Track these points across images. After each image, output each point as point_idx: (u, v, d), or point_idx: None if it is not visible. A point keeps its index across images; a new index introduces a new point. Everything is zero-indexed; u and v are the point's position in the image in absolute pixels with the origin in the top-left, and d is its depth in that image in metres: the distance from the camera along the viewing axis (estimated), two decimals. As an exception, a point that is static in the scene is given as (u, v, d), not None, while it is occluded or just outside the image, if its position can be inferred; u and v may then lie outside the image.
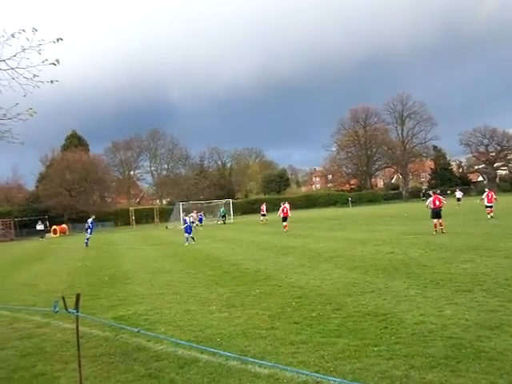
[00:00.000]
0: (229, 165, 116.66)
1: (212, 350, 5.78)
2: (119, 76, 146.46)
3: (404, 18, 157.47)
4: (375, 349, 6.37)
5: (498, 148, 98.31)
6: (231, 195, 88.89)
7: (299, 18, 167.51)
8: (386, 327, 7.35)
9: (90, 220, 34.01)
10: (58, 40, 7.23)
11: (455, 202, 47.44)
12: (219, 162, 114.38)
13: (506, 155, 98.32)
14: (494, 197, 30.43)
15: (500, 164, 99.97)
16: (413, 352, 6.10)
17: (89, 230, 33.19)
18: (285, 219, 33.49)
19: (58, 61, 7.26)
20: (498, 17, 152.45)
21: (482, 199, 30.99)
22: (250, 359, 5.99)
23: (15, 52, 7.21)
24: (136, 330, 4.97)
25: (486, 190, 32.10)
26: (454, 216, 32.59)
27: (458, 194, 49.27)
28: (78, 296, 4.65)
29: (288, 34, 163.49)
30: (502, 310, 7.82)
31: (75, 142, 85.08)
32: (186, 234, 27.85)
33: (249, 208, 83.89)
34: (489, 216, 29.08)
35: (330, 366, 5.89)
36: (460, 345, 6.23)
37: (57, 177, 71.07)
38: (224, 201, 64.11)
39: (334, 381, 5.08)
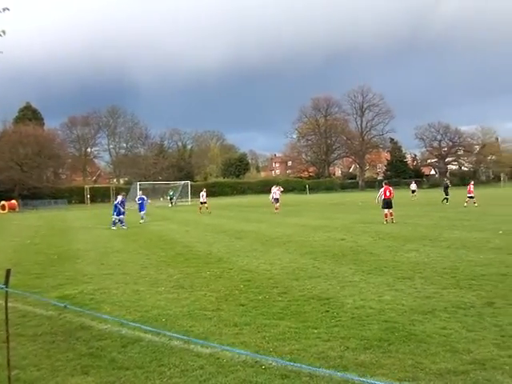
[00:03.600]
0: (189, 147, 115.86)
1: (150, 329, 5.86)
2: (76, 50, 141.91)
3: (369, 14, 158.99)
4: (315, 331, 6.60)
5: (450, 144, 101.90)
6: (190, 177, 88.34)
7: (265, 10, 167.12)
8: (327, 311, 7.61)
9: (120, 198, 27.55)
10: (4, 10, 6.94)
11: (410, 194, 48.77)
12: (179, 144, 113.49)
13: (456, 151, 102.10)
14: (472, 189, 33.93)
15: (451, 159, 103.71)
16: (350, 334, 6.36)
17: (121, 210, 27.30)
18: (276, 200, 35.18)
19: (3, 32, 6.98)
20: (457, 17, 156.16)
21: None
22: (193, 339, 6.10)
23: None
24: (63, 305, 4.94)
25: (472, 182, 35.51)
26: (407, 207, 33.57)
27: (413, 186, 50.57)
28: (8, 271, 4.54)
29: (255, 23, 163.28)
30: (436, 297, 8.22)
31: (29, 114, 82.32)
32: (115, 216, 26.12)
33: (208, 191, 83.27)
34: (475, 205, 32.31)
35: (269, 346, 6.07)
36: (394, 328, 6.53)
37: (7, 150, 67.95)
38: (182, 182, 63.79)
39: (272, 361, 5.27)
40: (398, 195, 33.77)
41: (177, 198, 57.68)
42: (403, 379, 4.90)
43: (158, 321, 7.46)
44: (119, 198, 26.93)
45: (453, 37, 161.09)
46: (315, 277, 10.47)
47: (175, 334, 5.52)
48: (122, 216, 26.16)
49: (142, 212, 28.80)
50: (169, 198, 56.00)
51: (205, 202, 38.70)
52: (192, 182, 71.73)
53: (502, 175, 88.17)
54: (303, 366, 4.78)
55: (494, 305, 7.58)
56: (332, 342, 6.13)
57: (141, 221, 27.33)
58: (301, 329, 6.73)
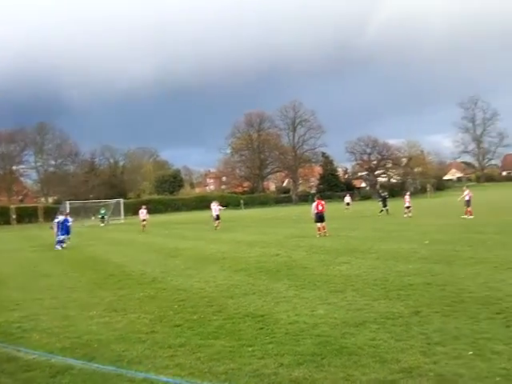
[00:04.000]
0: (122, 163, 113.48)
1: (80, 356, 5.69)
2: (2, 65, 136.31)
3: (300, 31, 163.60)
4: (249, 349, 6.64)
5: (379, 157, 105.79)
6: (123, 195, 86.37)
7: (198, 24, 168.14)
8: (262, 328, 7.67)
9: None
10: None
11: (344, 206, 50.01)
12: (111, 160, 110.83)
13: (385, 164, 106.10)
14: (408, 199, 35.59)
15: (380, 172, 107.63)
16: (283, 351, 6.44)
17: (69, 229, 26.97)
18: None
19: None
20: (383, 34, 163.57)
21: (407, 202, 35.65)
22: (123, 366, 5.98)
23: None
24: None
25: (408, 193, 37.77)
26: (340, 220, 34.41)
27: (347, 198, 51.90)
28: None
29: (188, 38, 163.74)
30: (367, 308, 8.48)
31: None
32: (63, 236, 25.70)
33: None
34: (410, 214, 34.08)
35: (204, 367, 6.05)
36: (326, 342, 6.68)
37: None
38: (114, 200, 62.36)
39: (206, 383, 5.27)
40: (332, 208, 34.74)
41: (109, 217, 56.24)
42: (335, 392, 5.03)
43: (89, 346, 7.24)
44: (61, 217, 26.47)
45: (379, 54, 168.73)
46: (250, 294, 10.53)
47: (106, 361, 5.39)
48: (66, 236, 25.90)
49: (63, 236, 25.93)
50: (100, 216, 54.52)
51: (144, 220, 37.49)
52: (125, 200, 70.25)
53: (428, 186, 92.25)
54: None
55: (420, 313, 7.92)
56: (266, 359, 6.19)
57: (63, 245, 25.76)
58: (236, 347, 6.75)
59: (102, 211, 55.15)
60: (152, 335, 7.68)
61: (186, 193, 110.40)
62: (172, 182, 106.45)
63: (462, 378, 5.20)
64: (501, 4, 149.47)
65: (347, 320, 7.78)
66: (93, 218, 58.96)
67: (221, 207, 35.40)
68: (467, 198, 30.85)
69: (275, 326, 7.74)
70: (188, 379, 5.68)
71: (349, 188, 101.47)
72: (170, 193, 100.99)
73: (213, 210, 34.42)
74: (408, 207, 34.90)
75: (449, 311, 7.96)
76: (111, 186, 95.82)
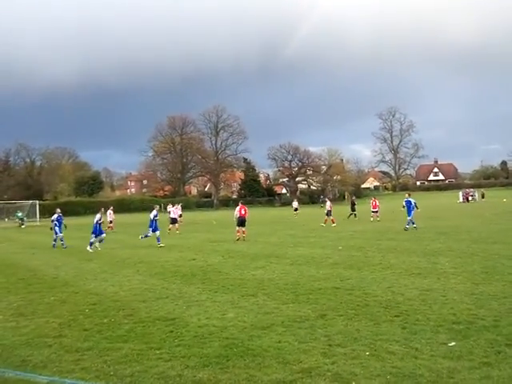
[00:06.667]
0: (38, 163, 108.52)
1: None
2: None
3: (227, 40, 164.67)
4: (157, 352, 6.69)
5: (300, 164, 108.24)
6: (39, 196, 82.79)
7: (122, 26, 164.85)
8: (171, 331, 7.73)
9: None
10: None
11: (292, 212, 50.18)
12: (27, 160, 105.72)
13: (305, 171, 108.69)
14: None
15: (301, 178, 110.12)
16: (190, 353, 6.55)
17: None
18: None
19: None
20: (309, 44, 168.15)
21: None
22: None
23: None
24: None
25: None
26: (260, 225, 34.82)
27: (295, 204, 52.10)
28: None
29: (111, 40, 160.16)
30: (275, 312, 8.75)
31: None
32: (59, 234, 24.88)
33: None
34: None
35: (110, 370, 6.04)
36: (233, 344, 6.86)
37: None
38: (30, 202, 59.66)
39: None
40: (253, 213, 35.09)
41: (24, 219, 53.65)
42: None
43: (-8, 352, 6.98)
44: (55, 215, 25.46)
45: (305, 64, 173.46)
46: (163, 297, 10.53)
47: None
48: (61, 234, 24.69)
49: None
50: (17, 218, 51.87)
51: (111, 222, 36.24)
52: (41, 201, 67.28)
53: (346, 193, 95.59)
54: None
55: (325, 317, 8.28)
56: (173, 361, 6.27)
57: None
58: (144, 350, 6.78)
59: (19, 213, 52.58)
60: (59, 339, 7.55)
61: (106, 195, 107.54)
62: (92, 183, 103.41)
63: (356, 376, 5.53)
64: (424, 17, 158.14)
65: (255, 323, 8.00)
66: (6, 219, 56.07)
67: (177, 210, 34.94)
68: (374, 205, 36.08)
69: (185, 329, 7.83)
70: (93, 382, 5.64)
71: (270, 194, 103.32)
72: (89, 195, 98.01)
73: (171, 213, 33.92)
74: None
75: (352, 314, 8.38)
76: (27, 187, 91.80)
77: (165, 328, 7.94)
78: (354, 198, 45.57)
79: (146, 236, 23.61)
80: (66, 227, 26.02)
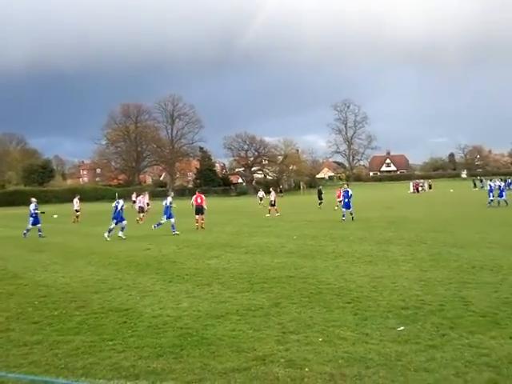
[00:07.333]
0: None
1: None
2: None
3: (185, 27, 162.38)
4: (110, 343, 6.59)
5: (256, 154, 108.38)
6: (-16, 185, 79.87)
7: (74, 10, 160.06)
8: (125, 322, 7.64)
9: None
10: None
11: (258, 201, 49.62)
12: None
13: (261, 161, 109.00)
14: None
15: (257, 168, 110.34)
16: (144, 343, 6.49)
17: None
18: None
19: None
20: (262, 36, 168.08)
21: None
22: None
23: None
24: None
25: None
26: (216, 214, 34.64)
27: (260, 193, 51.23)
28: None
29: (63, 26, 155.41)
30: (230, 301, 8.78)
31: None
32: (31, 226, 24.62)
33: (6, 200, 76.72)
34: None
35: (61, 363, 5.91)
36: (187, 334, 6.84)
37: None
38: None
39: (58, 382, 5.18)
40: (210, 203, 34.85)
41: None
42: (191, 382, 5.18)
43: None
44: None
45: (262, 55, 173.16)
46: (116, 288, 10.39)
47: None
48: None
49: None
50: None
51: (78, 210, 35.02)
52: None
53: (301, 184, 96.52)
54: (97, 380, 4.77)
55: (279, 305, 8.37)
56: (126, 352, 6.20)
57: None
58: (96, 342, 6.67)
59: None
60: (7, 333, 7.33)
61: (57, 184, 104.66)
62: (42, 172, 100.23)
63: (309, 362, 5.62)
64: (374, 11, 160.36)
65: (210, 312, 8.01)
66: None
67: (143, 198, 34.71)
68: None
69: (138, 319, 7.75)
70: (42, 376, 5.52)
71: (226, 183, 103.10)
72: (39, 184, 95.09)
73: (137, 202, 33.77)
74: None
75: (306, 302, 8.51)
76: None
77: (118, 319, 7.83)
78: (321, 187, 46.37)
79: (159, 224, 23.16)
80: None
